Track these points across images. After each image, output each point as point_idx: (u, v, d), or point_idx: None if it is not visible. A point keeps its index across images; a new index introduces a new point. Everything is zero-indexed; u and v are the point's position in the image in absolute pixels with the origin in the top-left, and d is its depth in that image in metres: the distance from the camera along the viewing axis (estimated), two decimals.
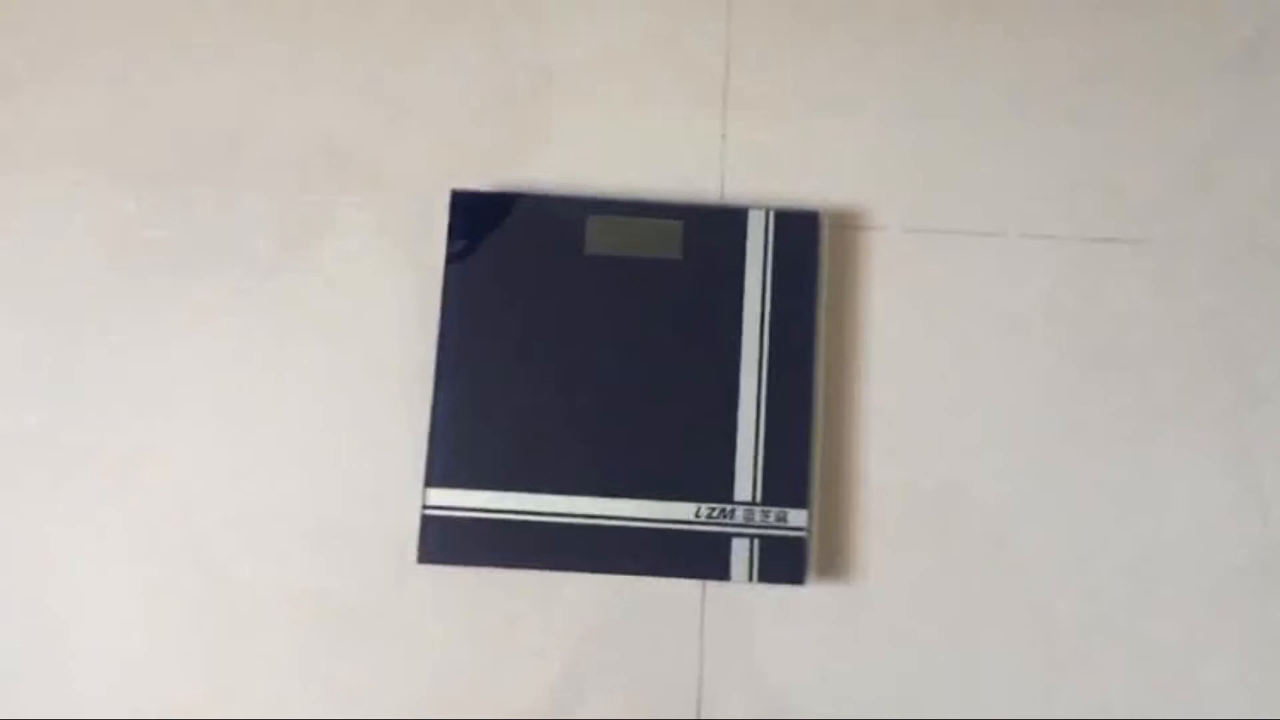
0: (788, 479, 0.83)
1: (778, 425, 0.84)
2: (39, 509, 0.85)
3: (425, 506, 0.83)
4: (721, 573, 0.82)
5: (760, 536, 0.82)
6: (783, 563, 0.82)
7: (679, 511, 0.82)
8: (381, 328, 0.86)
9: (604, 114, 0.89)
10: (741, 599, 0.84)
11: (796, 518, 0.83)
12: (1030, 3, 0.90)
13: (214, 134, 0.89)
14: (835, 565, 0.85)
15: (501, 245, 0.85)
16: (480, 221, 0.85)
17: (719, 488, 0.83)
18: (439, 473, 0.83)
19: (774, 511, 0.83)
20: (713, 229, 0.86)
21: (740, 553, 0.82)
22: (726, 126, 0.89)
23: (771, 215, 0.86)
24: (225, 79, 0.90)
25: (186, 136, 0.89)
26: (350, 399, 0.86)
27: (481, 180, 0.88)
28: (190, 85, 0.90)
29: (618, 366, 0.84)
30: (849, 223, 0.88)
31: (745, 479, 0.83)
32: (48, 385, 0.86)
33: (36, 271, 0.87)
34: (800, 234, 0.86)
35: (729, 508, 0.82)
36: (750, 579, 0.82)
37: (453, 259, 0.85)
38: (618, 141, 0.89)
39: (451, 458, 0.83)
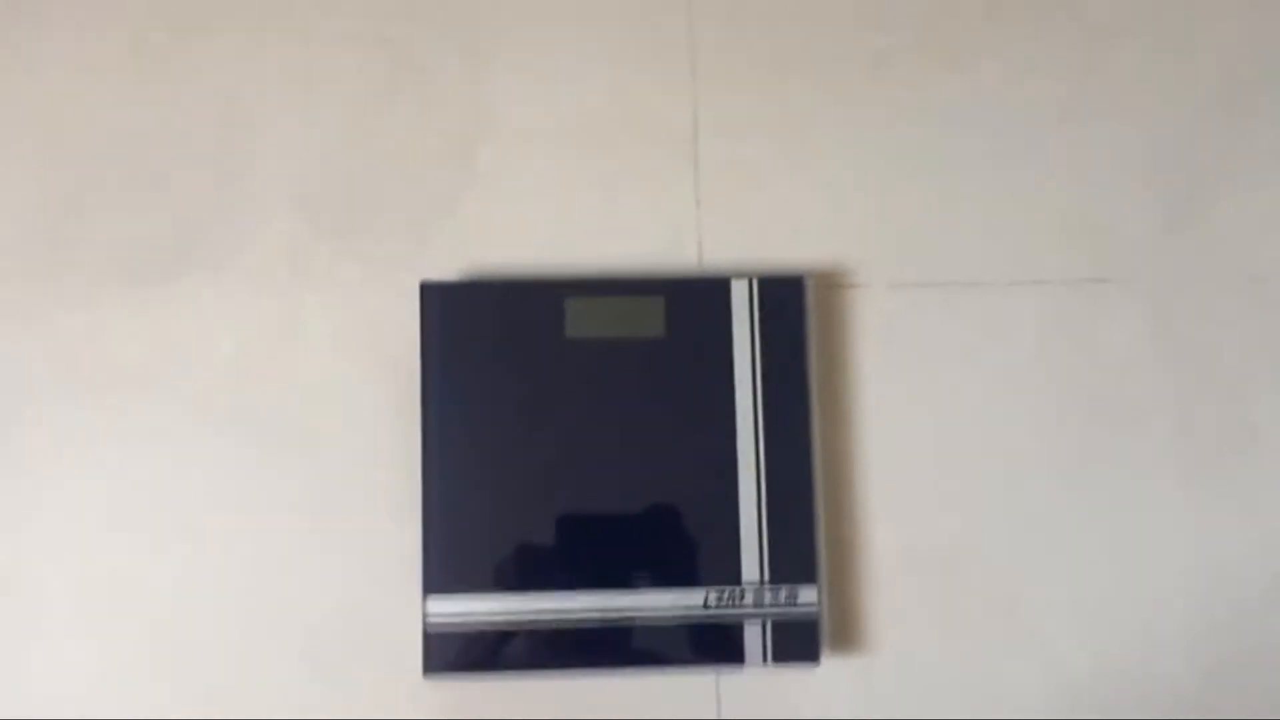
0: (795, 554, 0.80)
1: (779, 499, 0.81)
2: None
3: (427, 617, 0.79)
4: (736, 659, 0.79)
5: (773, 618, 0.79)
6: (797, 643, 0.80)
7: (687, 599, 0.79)
8: (360, 432, 0.82)
9: (572, 186, 0.85)
10: (757, 683, 0.82)
11: (807, 594, 0.80)
12: (1003, 48, 0.88)
13: (166, 236, 0.84)
14: (848, 639, 0.82)
15: (479, 336, 0.81)
16: (453, 313, 0.81)
17: (726, 570, 0.80)
18: (437, 580, 0.79)
19: (784, 590, 0.80)
20: (696, 301, 0.82)
21: (754, 638, 0.79)
22: (700, 191, 0.86)
23: (755, 283, 0.83)
24: (176, 179, 0.85)
25: (137, 239, 0.84)
26: (335, 509, 0.82)
27: (450, 267, 0.84)
28: (143, 186, 0.85)
29: (611, 452, 0.81)
30: (832, 282, 0.86)
31: (751, 558, 0.80)
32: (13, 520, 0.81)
33: None
34: (786, 299, 0.83)
35: (738, 590, 0.80)
36: (765, 662, 0.79)
37: (428, 354, 0.81)
38: (589, 214, 0.85)
39: (449, 563, 0.79)
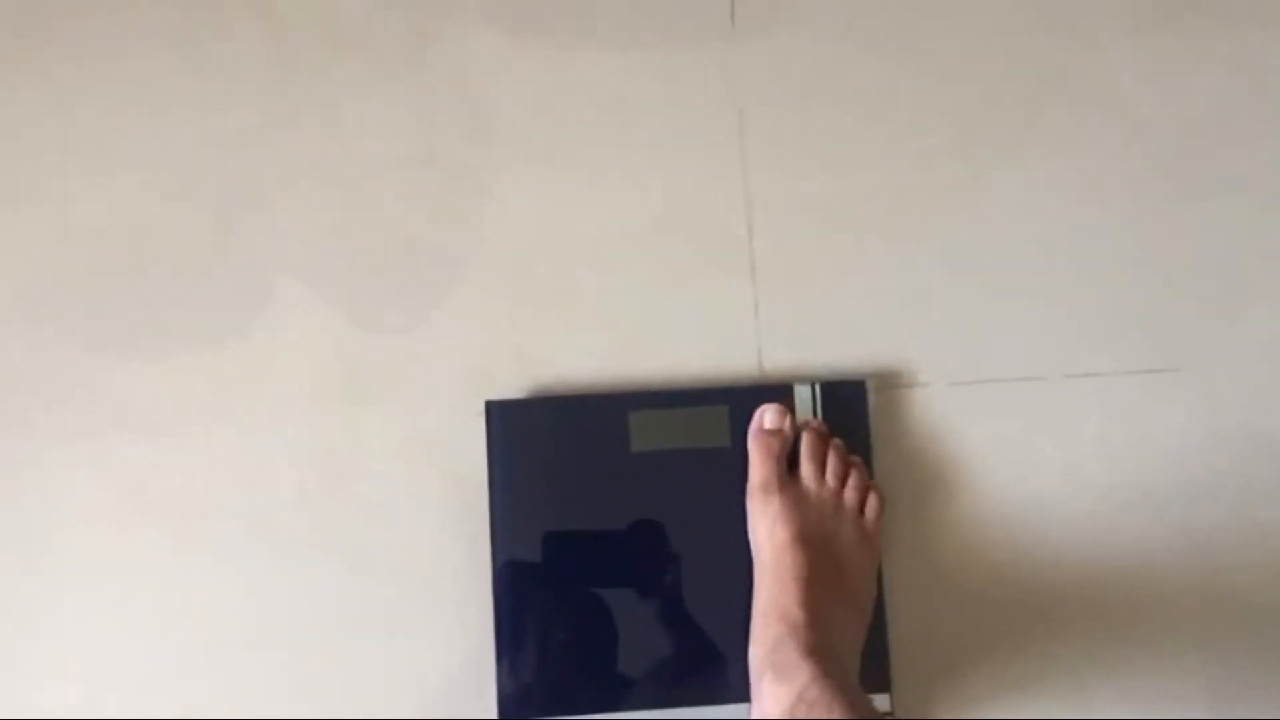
0: (867, 662, 0.80)
1: None
2: None
3: None
4: None
5: None
6: None
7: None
8: (427, 553, 0.82)
9: (630, 297, 0.86)
10: None
11: (881, 703, 0.80)
12: (1048, 146, 0.89)
13: (224, 358, 0.84)
14: None
15: (544, 452, 0.81)
16: (518, 430, 0.81)
17: None
18: (513, 704, 0.78)
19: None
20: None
21: None
22: (758, 296, 0.86)
23: (818, 388, 0.83)
24: (224, 290, 0.85)
25: (197, 365, 0.84)
26: (405, 632, 0.81)
27: (513, 382, 0.84)
28: (193, 309, 0.85)
29: (682, 566, 0.81)
30: (893, 382, 0.86)
31: None
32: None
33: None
34: (848, 403, 0.83)
35: None
36: None
37: (494, 473, 0.81)
38: (648, 324, 0.85)
39: (523, 687, 0.79)
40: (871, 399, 0.84)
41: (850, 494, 0.81)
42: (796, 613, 0.76)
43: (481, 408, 0.82)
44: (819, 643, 0.75)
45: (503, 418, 0.82)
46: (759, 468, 0.80)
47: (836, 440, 0.82)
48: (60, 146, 0.86)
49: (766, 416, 0.82)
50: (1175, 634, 0.84)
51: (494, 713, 0.78)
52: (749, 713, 0.78)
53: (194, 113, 0.86)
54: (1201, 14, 0.91)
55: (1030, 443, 0.86)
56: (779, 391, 0.83)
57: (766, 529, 0.79)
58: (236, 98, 0.87)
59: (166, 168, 0.86)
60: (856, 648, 0.78)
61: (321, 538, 0.82)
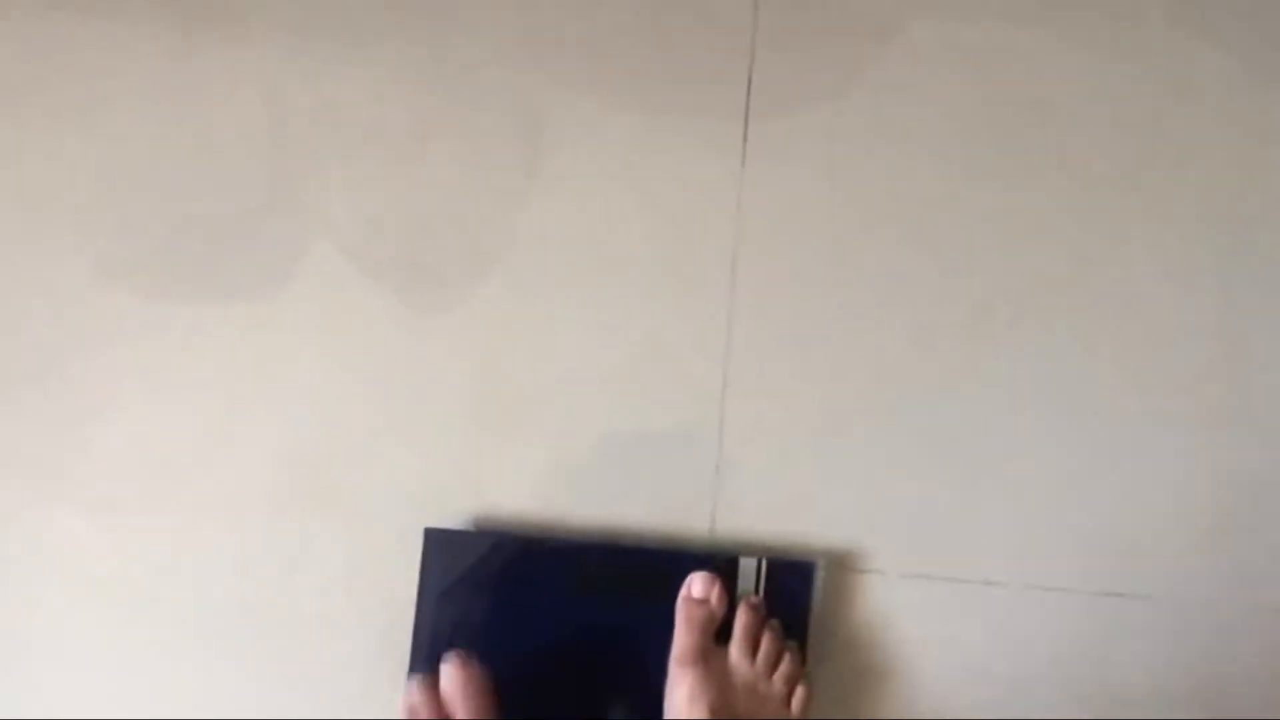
0: None
1: None
2: None
3: None
4: None
5: None
6: None
7: None
8: (350, 671, 0.82)
9: (591, 436, 0.84)
10: None
11: None
12: (1036, 345, 0.85)
13: (171, 461, 0.84)
14: None
15: (480, 585, 0.80)
16: (456, 560, 0.80)
17: None
18: None
19: None
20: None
21: None
22: (722, 455, 0.84)
23: (764, 564, 0.81)
24: (185, 397, 0.85)
25: (143, 463, 0.84)
26: None
27: (457, 510, 0.83)
28: (149, 409, 0.85)
29: (607, 700, 0.80)
30: (844, 564, 0.83)
31: None
32: None
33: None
34: (793, 582, 0.81)
35: None
36: None
37: (423, 599, 0.80)
38: (605, 468, 0.84)
39: None
40: (819, 580, 0.82)
41: (778, 681, 0.79)
42: None
43: (421, 532, 0.81)
44: None
45: (441, 546, 0.81)
46: (682, 637, 0.78)
47: (773, 621, 0.80)
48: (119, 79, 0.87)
49: (695, 584, 0.80)
50: None
51: None
52: None
53: None
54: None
55: (978, 651, 0.83)
56: (724, 560, 0.81)
57: (680, 702, 0.77)
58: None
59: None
60: None
61: (258, 649, 0.82)
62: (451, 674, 0.73)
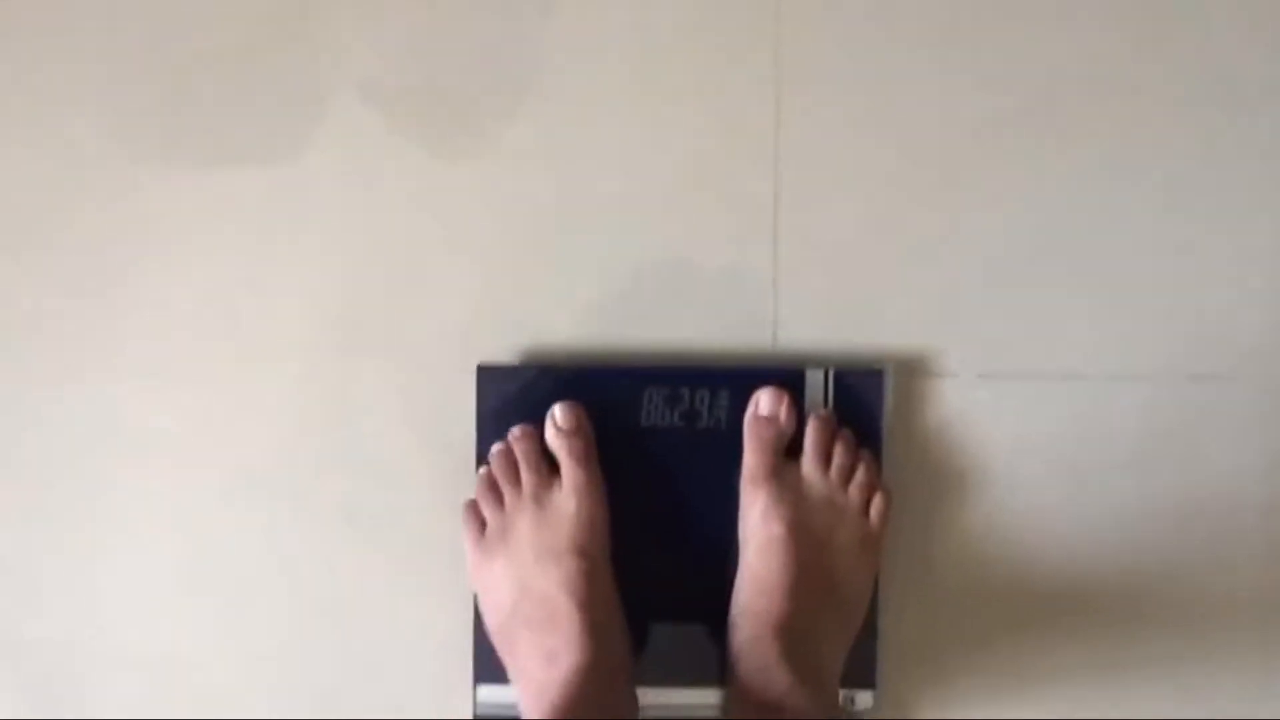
0: (854, 660, 0.76)
1: None
2: None
3: (477, 708, 0.78)
4: None
5: None
6: None
7: None
8: (411, 514, 0.80)
9: (641, 258, 0.80)
10: None
11: (863, 700, 0.78)
12: (1119, 126, 0.79)
13: (204, 320, 0.81)
14: None
15: (539, 419, 0.77)
16: (512, 395, 0.78)
17: None
18: (489, 667, 0.77)
19: (841, 694, 0.77)
20: None
21: None
22: (778, 266, 0.80)
23: (831, 375, 0.78)
24: (212, 257, 0.81)
25: (175, 325, 0.81)
26: (385, 591, 0.81)
27: (511, 345, 0.80)
28: (175, 271, 0.81)
29: (672, 550, 0.78)
30: (915, 370, 0.80)
31: None
32: None
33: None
34: (863, 392, 0.78)
35: None
36: None
37: (483, 441, 0.78)
38: (657, 290, 0.80)
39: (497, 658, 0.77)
40: (889, 388, 0.79)
41: (854, 492, 0.76)
42: (778, 616, 0.73)
43: (473, 369, 0.78)
44: (798, 649, 0.72)
45: (493, 383, 0.78)
46: (752, 455, 0.76)
47: (845, 431, 0.77)
48: None
49: (762, 401, 0.77)
50: (1198, 667, 0.80)
51: (470, 678, 0.78)
52: (720, 701, 0.77)
53: None
54: None
55: (1061, 448, 0.80)
56: (789, 375, 0.78)
57: (755, 521, 0.75)
58: None
59: None
60: (840, 656, 0.75)
61: (312, 494, 0.81)
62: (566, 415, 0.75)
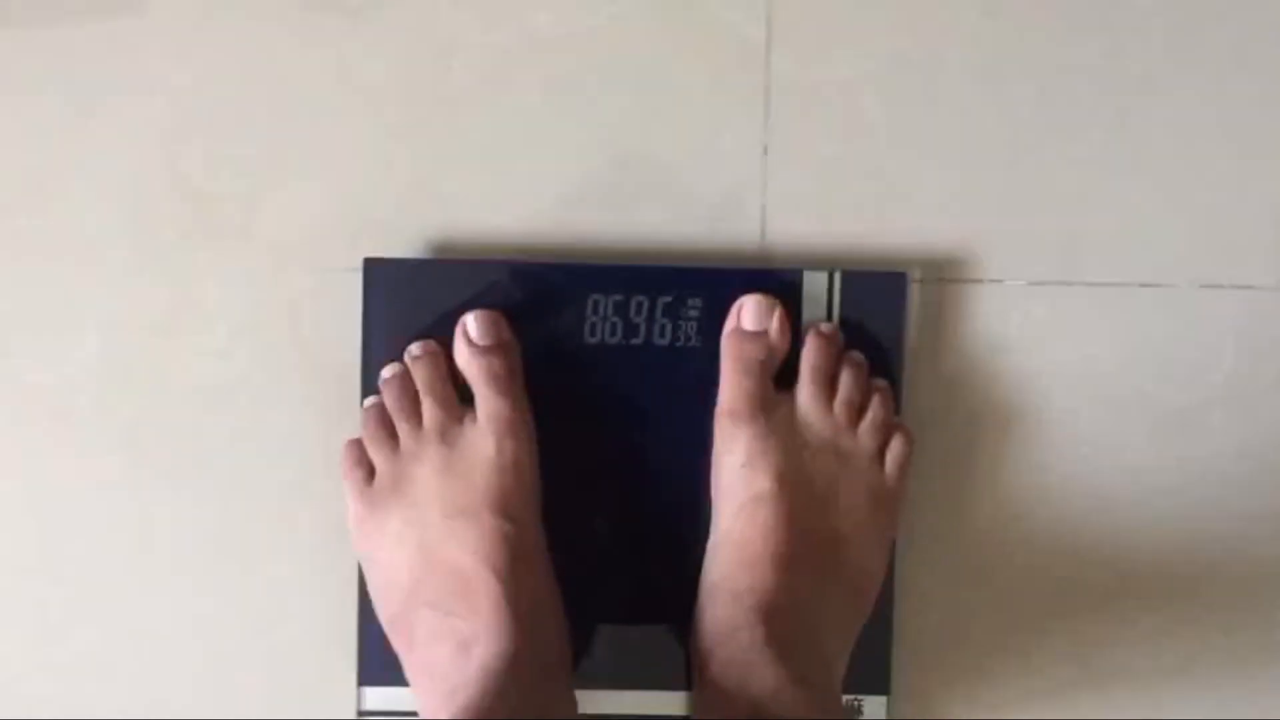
0: (859, 654, 0.59)
1: None
2: None
3: (362, 708, 0.60)
4: None
5: None
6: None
7: None
8: (277, 460, 0.61)
9: (589, 122, 0.61)
10: None
11: (873, 708, 0.60)
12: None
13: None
14: None
15: (441, 334, 0.58)
16: (410, 304, 0.58)
17: None
18: (378, 663, 0.59)
19: (845, 700, 0.59)
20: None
21: None
22: (769, 133, 0.61)
23: (837, 278, 0.59)
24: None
25: None
26: (241, 562, 0.61)
27: (415, 237, 0.61)
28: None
29: (621, 505, 0.60)
30: (948, 275, 0.61)
31: None
32: None
33: None
34: (878, 302, 0.59)
35: None
36: None
37: (371, 349, 0.59)
38: (609, 163, 0.61)
39: (388, 658, 0.58)
40: (913, 298, 0.60)
41: (866, 433, 0.58)
42: (762, 594, 0.56)
43: (358, 266, 0.59)
44: (789, 637, 0.55)
45: (386, 284, 0.58)
46: (731, 383, 0.58)
47: (855, 354, 0.59)
48: None
49: (746, 312, 0.58)
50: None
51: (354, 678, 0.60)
52: (688, 707, 0.59)
53: None
54: None
55: (1134, 374, 0.61)
56: (781, 279, 0.59)
57: (734, 468, 0.57)
58: None
59: None
60: (844, 647, 0.58)
61: (139, 435, 0.61)
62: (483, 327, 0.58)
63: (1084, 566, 0.62)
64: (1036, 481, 0.62)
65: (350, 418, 0.58)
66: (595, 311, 0.59)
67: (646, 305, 0.58)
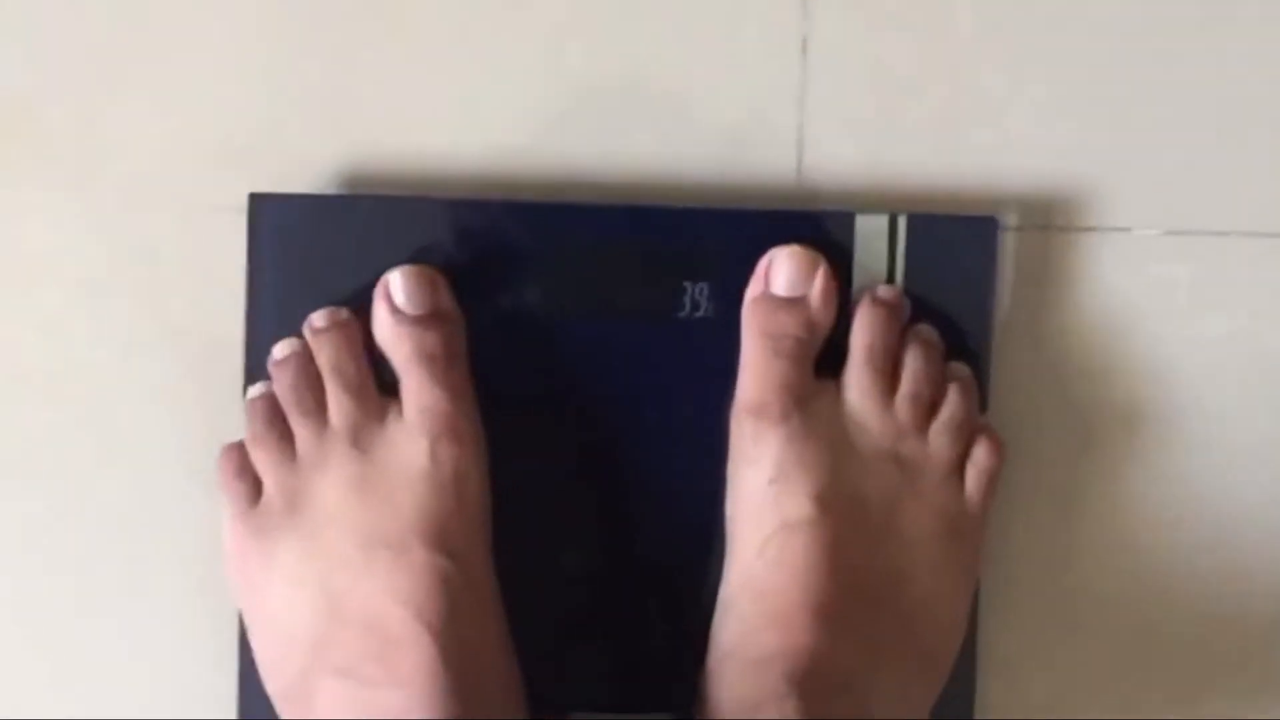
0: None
1: None
2: None
3: None
4: None
5: None
6: None
7: None
8: (141, 470, 0.47)
9: (565, 20, 0.47)
10: None
11: None
12: None
13: None
14: None
15: (348, 286, 0.45)
16: (315, 256, 0.44)
17: None
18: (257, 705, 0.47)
19: None
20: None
21: None
22: (809, 23, 0.47)
23: (902, 224, 0.45)
24: None
25: None
26: (79, 607, 0.48)
27: (329, 170, 0.47)
28: None
29: (617, 531, 0.47)
30: (1055, 220, 0.48)
31: None
32: None
33: None
34: (958, 257, 0.46)
35: None
36: None
37: (257, 308, 0.45)
38: (593, 77, 0.47)
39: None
40: (1008, 252, 0.47)
41: (940, 438, 0.45)
42: (800, 656, 0.44)
43: (242, 204, 0.45)
44: (832, 711, 0.43)
45: (280, 228, 0.45)
46: (757, 368, 0.45)
47: (925, 329, 0.46)
48: None
49: (777, 271, 0.45)
50: None
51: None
52: None
53: None
54: None
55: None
56: (823, 225, 0.45)
57: (758, 486, 0.45)
58: None
59: None
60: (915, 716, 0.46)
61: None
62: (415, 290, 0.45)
63: (1237, 631, 0.49)
64: (1171, 503, 0.49)
65: (230, 412, 0.45)
66: (568, 268, 0.45)
67: (638, 260, 0.45)
